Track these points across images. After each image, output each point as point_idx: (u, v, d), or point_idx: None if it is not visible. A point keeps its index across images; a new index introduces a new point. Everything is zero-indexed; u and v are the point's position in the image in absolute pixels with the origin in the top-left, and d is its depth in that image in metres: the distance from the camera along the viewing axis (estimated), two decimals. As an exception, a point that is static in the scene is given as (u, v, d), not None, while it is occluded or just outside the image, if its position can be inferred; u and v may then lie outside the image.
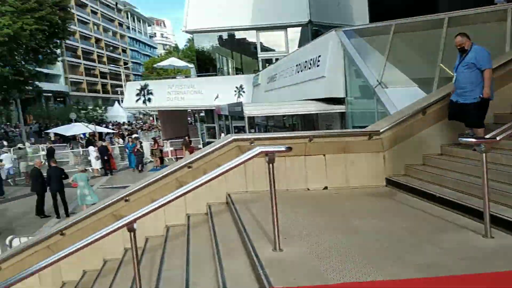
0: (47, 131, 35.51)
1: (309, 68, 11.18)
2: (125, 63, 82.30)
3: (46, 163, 16.41)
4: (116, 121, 48.55)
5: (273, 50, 22.86)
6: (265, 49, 22.93)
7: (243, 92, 20.89)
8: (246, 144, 4.80)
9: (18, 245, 5.26)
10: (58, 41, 32.61)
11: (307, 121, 13.47)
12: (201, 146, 23.42)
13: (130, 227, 2.96)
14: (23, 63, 29.97)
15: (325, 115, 11.31)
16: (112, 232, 3.06)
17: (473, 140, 3.36)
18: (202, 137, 25.37)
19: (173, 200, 3.15)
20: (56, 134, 31.01)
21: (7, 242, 6.23)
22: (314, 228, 3.54)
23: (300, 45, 19.63)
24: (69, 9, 33.29)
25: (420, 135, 5.03)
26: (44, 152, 21.35)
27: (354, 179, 4.93)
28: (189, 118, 38.52)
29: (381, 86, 8.19)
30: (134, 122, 52.79)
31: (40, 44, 28.90)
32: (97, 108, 50.84)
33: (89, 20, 72.81)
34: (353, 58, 9.07)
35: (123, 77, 65.34)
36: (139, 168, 19.20)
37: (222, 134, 21.81)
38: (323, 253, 2.97)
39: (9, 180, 17.23)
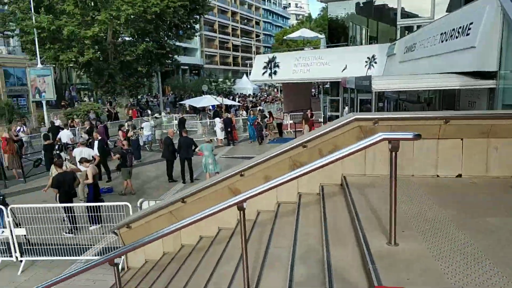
0: (181, 102, 39.52)
1: (456, 38, 9.92)
2: (257, 36, 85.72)
3: (178, 132, 18.29)
4: (242, 93, 51.29)
5: (416, 16, 21.00)
6: (406, 15, 21.18)
7: (375, 63, 19.81)
8: (368, 125, 4.53)
9: (147, 208, 6.05)
10: (197, 16, 35.38)
11: (445, 96, 12.10)
12: (321, 119, 23.27)
13: (240, 206, 3.12)
14: (165, 38, 33.46)
15: (469, 90, 9.99)
16: (224, 209, 3.25)
17: None
18: (324, 110, 25.13)
19: (284, 183, 3.19)
20: (190, 105, 34.39)
21: (138, 204, 7.27)
22: (439, 222, 3.21)
23: (449, 10, 17.55)
24: (210, -16, 35.56)
25: None
26: (176, 122, 23.87)
27: (496, 168, 4.28)
28: (313, 90, 38.43)
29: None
30: (259, 94, 54.99)
31: (181, 20, 31.75)
32: (227, 80, 54.33)
33: (228, -7, 77.29)
34: (515, 23, 7.70)
35: (253, 49, 68.36)
36: (259, 141, 20.19)
37: (346, 108, 21.25)
38: (445, 253, 2.69)
39: (146, 146, 19.76)
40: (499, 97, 8.48)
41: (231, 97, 43.56)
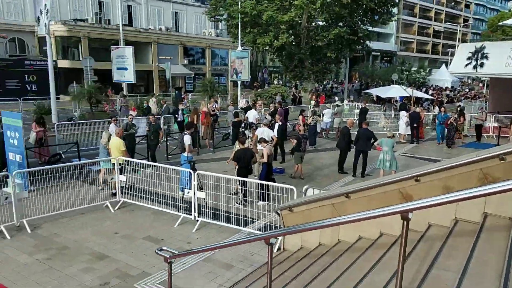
0: (366, 90, 38.64)
1: None
2: (465, 20, 76.95)
3: (357, 122, 17.97)
4: (438, 85, 46.77)
5: None
6: None
7: None
8: None
9: (310, 195, 6.17)
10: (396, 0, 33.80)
11: None
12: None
13: (404, 216, 2.85)
14: (359, 23, 33.00)
15: None
16: (386, 215, 3.03)
17: None
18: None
19: (466, 199, 2.75)
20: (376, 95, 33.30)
21: (303, 189, 7.49)
22: None
23: None
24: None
25: None
26: (357, 111, 23.45)
27: None
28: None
29: None
30: (458, 88, 49.21)
31: (378, 4, 30.88)
32: (421, 70, 50.39)
33: (434, -28, 71.70)
34: None
35: (458, 36, 61.42)
36: (449, 143, 18.00)
37: None
38: None
39: (322, 133, 20.11)
40: None
41: (424, 89, 40.32)
